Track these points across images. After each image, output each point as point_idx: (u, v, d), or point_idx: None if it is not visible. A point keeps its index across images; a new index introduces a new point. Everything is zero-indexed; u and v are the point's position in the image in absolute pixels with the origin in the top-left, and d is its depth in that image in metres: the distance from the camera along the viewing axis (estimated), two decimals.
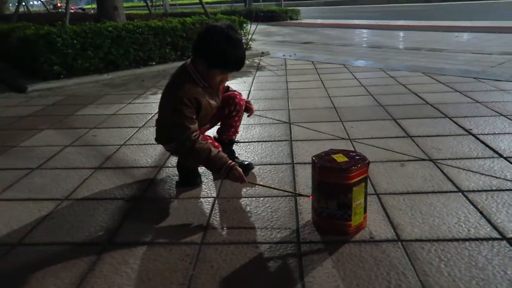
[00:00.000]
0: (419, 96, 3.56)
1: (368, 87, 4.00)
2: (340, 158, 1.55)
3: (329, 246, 1.51)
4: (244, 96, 2.23)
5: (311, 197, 1.66)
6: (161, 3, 17.78)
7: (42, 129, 3.13)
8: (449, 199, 1.80)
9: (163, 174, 2.23)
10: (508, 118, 2.84)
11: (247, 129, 2.91)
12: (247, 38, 6.89)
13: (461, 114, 2.98)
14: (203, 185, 2.06)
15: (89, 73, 5.06)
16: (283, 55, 6.50)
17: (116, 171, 2.29)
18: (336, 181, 1.50)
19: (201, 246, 1.55)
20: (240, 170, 1.78)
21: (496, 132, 2.59)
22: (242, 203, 1.88)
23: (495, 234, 1.53)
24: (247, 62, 6.01)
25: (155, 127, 2.07)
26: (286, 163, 2.28)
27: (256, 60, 6.20)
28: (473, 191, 1.86)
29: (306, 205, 1.79)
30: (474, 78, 4.15)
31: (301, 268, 1.40)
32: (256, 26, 7.20)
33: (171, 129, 1.85)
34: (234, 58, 1.77)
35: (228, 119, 2.15)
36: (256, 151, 2.49)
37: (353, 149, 2.43)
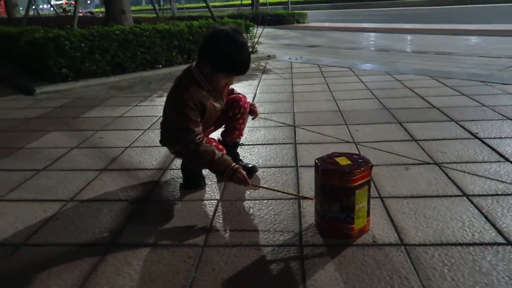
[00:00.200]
0: (425, 100, 3.54)
1: (374, 91, 3.99)
2: (343, 161, 1.55)
3: (332, 249, 1.51)
4: (249, 99, 2.24)
5: (314, 199, 1.66)
6: (169, 6, 17.91)
7: (49, 131, 3.17)
8: (453, 203, 1.78)
9: (167, 176, 2.24)
10: None
11: (252, 131, 2.91)
12: (253, 42, 6.91)
13: (468, 118, 2.96)
14: (207, 188, 2.07)
15: (96, 75, 5.11)
16: (289, 58, 6.50)
17: (121, 173, 2.30)
18: (339, 184, 1.50)
19: (203, 248, 1.56)
20: (244, 172, 1.79)
21: (503, 136, 2.56)
22: (245, 205, 1.88)
23: (500, 239, 1.52)
24: (253, 65, 6.04)
25: (160, 130, 2.09)
26: (290, 166, 2.28)
27: (262, 63, 6.21)
28: (478, 195, 1.85)
29: (309, 208, 1.79)
30: (481, 81, 4.12)
31: (303, 271, 1.40)
32: (263, 30, 7.22)
33: (176, 132, 1.86)
34: (239, 62, 1.77)
35: (232, 122, 2.16)
36: (260, 153, 2.50)
37: (357, 152, 2.42)
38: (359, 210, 1.53)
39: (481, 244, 1.49)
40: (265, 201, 1.90)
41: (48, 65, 4.81)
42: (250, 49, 6.80)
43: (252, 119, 2.30)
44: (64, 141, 2.92)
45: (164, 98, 1.95)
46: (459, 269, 1.36)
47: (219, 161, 1.79)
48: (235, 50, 1.74)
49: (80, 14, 15.05)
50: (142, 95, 4.33)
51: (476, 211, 1.72)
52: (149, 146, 2.72)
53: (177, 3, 23.21)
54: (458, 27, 10.66)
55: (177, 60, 5.87)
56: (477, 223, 1.63)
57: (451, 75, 4.53)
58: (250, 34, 6.86)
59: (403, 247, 1.50)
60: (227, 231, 1.68)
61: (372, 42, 8.85)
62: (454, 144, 2.47)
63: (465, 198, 1.83)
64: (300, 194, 1.94)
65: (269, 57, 6.66)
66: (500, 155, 2.28)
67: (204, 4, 8.29)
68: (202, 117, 1.85)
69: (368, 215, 1.59)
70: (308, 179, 2.09)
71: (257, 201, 1.90)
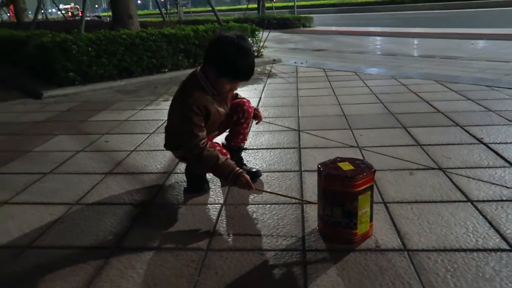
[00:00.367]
0: (430, 104, 3.53)
1: (379, 95, 3.99)
2: (346, 166, 1.55)
3: (334, 254, 1.51)
4: (254, 103, 2.26)
5: (317, 204, 1.66)
6: (176, 10, 18.02)
7: (56, 135, 3.20)
8: (457, 209, 1.78)
9: (171, 180, 2.25)
10: None
11: (256, 136, 2.92)
12: (259, 46, 6.93)
13: (473, 123, 2.95)
14: (210, 192, 2.08)
15: (103, 79, 5.15)
16: (295, 63, 6.51)
17: (126, 177, 2.32)
18: (342, 189, 1.50)
19: (207, 252, 1.57)
20: (248, 177, 1.80)
21: (509, 141, 2.55)
22: (249, 210, 1.89)
23: (504, 245, 1.51)
24: (258, 69, 6.06)
25: (164, 133, 2.10)
26: (294, 171, 2.29)
27: (267, 68, 6.23)
28: (483, 200, 1.84)
29: (312, 213, 1.79)
30: (488, 86, 4.10)
31: (305, 276, 1.40)
32: (268, 34, 7.23)
33: (180, 136, 1.87)
34: (244, 69, 1.79)
35: (236, 126, 2.17)
36: (264, 158, 2.51)
37: (361, 157, 2.42)
38: (362, 215, 1.53)
39: (485, 250, 1.49)
40: (269, 205, 1.90)
41: (56, 69, 4.86)
42: (256, 53, 6.79)
43: (256, 123, 2.31)
44: (71, 144, 2.95)
45: (170, 102, 1.97)
46: (462, 275, 1.36)
47: (223, 166, 1.80)
48: (240, 56, 1.76)
49: (88, 18, 15.23)
50: (148, 99, 4.36)
51: (480, 216, 1.71)
52: (154, 150, 2.74)
53: (184, 7, 23.33)
54: (465, 31, 10.60)
55: (183, 64, 5.91)
56: (481, 228, 1.62)
57: (458, 80, 4.50)
58: (256, 38, 6.89)
59: (406, 252, 1.50)
60: (231, 235, 1.69)
61: (378, 46, 8.84)
62: (459, 149, 2.46)
63: (469, 203, 1.82)
64: (304, 199, 1.94)
65: (274, 61, 6.67)
66: (506, 160, 2.27)
67: (210, 8, 8.34)
68: (206, 121, 1.87)
69: (371, 220, 1.59)
70: (311, 183, 2.10)
71: (261, 206, 1.91)
